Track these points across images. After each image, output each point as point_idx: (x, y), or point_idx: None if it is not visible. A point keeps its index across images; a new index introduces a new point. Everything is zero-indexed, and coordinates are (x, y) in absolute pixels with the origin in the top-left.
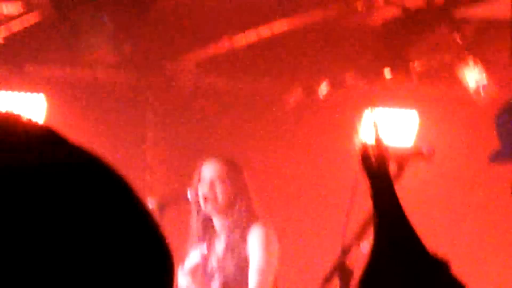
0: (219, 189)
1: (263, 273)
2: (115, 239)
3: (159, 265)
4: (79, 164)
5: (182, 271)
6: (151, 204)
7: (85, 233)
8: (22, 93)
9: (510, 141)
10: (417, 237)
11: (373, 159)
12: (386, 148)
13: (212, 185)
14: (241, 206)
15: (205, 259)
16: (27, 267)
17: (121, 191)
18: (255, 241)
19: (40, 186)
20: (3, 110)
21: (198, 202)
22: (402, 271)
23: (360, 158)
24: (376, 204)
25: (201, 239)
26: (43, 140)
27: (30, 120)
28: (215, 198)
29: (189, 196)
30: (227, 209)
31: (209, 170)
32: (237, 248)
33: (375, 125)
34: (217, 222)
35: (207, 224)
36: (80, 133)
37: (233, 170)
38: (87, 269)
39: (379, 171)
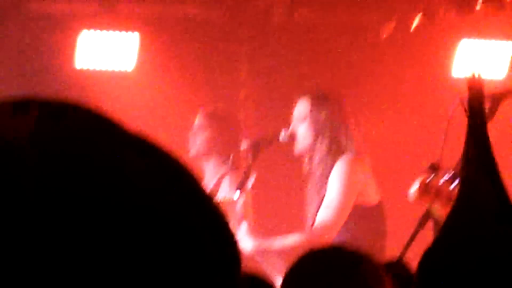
0: (299, 131)
1: (328, 207)
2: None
3: (224, 269)
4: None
5: None
6: (244, 145)
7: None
8: (116, 32)
9: None
10: (503, 187)
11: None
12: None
13: (295, 124)
14: (323, 145)
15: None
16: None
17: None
18: (331, 177)
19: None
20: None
21: (279, 141)
22: (486, 228)
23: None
24: (468, 146)
25: (307, 179)
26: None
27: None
28: (297, 138)
29: (281, 136)
30: (311, 149)
31: (296, 108)
32: (319, 189)
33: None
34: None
35: (311, 162)
36: (172, 72)
37: (319, 106)
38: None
39: (476, 110)
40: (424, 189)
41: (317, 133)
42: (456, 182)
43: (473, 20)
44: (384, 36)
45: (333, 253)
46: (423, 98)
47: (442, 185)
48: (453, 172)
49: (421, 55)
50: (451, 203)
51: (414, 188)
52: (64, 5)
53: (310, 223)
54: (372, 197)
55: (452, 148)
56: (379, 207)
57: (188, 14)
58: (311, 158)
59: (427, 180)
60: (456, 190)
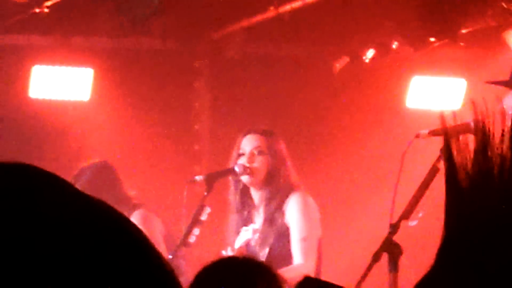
0: (259, 162)
1: (306, 239)
2: None
3: None
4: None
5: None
6: (199, 178)
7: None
8: (70, 67)
9: None
10: None
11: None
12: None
13: (252, 157)
14: (280, 178)
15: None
16: None
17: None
18: (293, 209)
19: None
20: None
21: (236, 174)
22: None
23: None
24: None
25: (240, 212)
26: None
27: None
28: (255, 171)
29: (237, 168)
30: (266, 181)
31: (249, 142)
32: (275, 220)
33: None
34: (255, 194)
35: (245, 196)
36: (127, 105)
37: (273, 142)
38: None
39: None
40: None
41: (275, 167)
42: None
43: (427, 54)
44: (336, 68)
45: (233, 262)
46: (377, 129)
47: None
48: None
49: (374, 88)
50: None
51: None
52: (19, 37)
53: (266, 253)
54: (320, 230)
55: (407, 179)
56: (321, 240)
57: (143, 46)
58: (263, 190)
59: None
60: None
